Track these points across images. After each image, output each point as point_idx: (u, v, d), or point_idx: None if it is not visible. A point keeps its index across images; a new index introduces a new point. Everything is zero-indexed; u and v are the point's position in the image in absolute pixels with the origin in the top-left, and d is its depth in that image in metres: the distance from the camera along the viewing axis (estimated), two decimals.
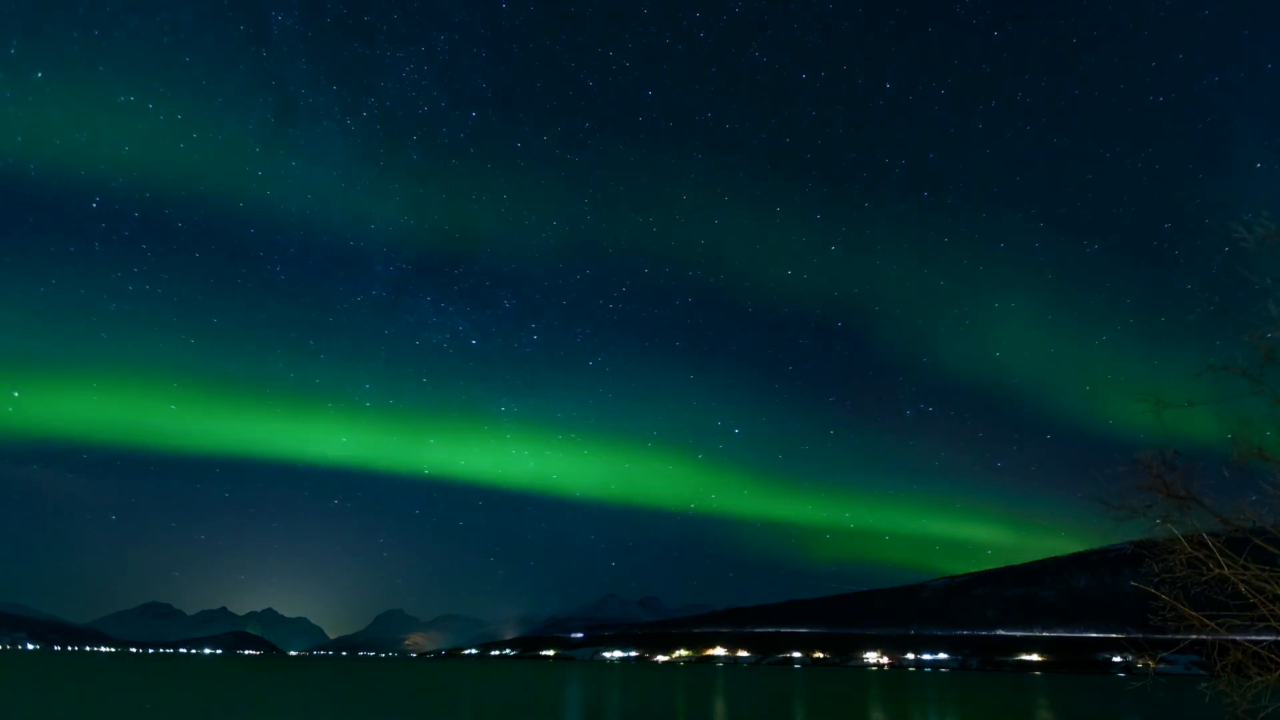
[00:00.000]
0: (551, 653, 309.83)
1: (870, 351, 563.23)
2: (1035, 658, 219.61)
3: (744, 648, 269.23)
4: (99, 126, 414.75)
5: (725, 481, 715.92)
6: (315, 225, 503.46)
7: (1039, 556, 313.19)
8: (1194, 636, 10.05)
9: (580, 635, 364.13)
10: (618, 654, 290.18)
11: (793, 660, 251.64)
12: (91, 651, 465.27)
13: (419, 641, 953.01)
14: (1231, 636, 9.88)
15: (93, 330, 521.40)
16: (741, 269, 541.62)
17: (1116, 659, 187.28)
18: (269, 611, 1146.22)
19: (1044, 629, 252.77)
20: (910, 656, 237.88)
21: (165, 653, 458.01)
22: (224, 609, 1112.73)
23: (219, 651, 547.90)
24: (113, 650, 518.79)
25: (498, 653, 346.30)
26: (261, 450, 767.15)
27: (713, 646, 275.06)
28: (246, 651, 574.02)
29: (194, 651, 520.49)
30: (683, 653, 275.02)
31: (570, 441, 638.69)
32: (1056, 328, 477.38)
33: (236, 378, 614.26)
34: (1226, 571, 9.72)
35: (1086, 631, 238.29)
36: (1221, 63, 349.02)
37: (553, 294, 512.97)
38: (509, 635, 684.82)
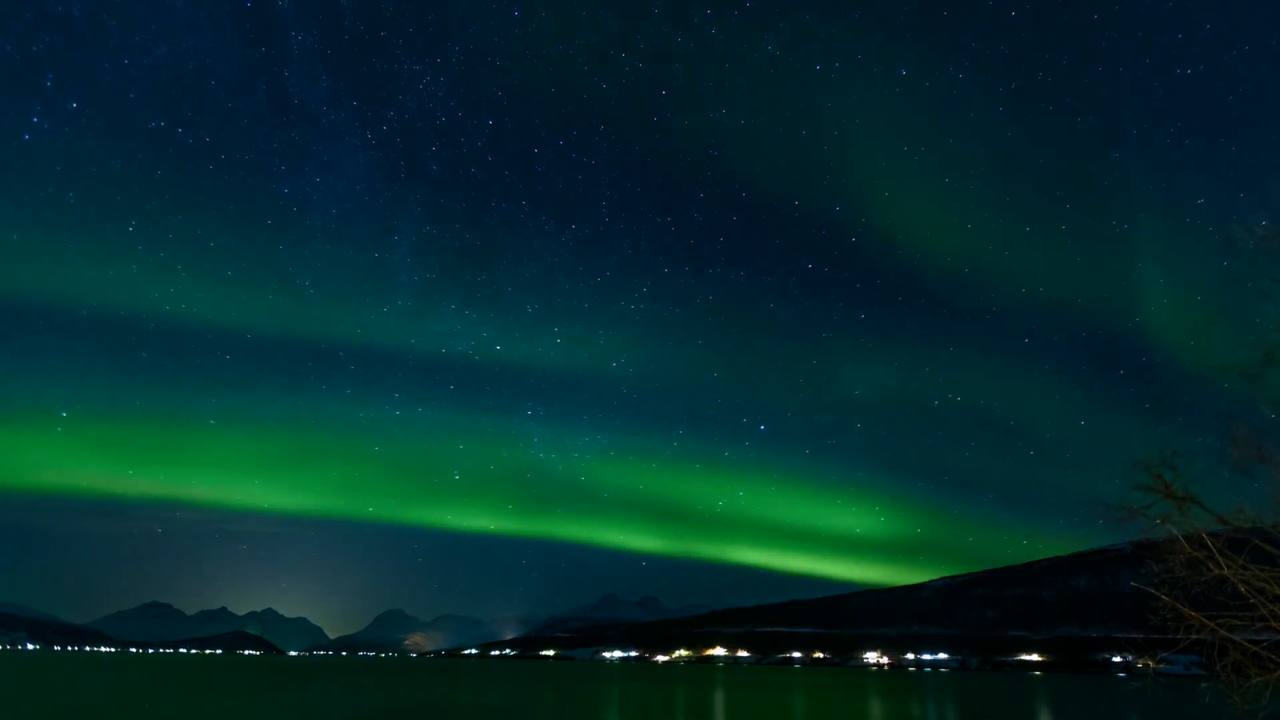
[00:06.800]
0: (551, 653, 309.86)
1: (895, 343, 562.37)
2: (1035, 658, 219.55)
3: (744, 648, 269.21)
4: (132, 152, 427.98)
5: (753, 479, 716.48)
6: (341, 239, 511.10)
7: (1039, 556, 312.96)
8: (1194, 636, 10.05)
9: (580, 635, 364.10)
10: (618, 654, 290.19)
11: (793, 660, 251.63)
12: (91, 651, 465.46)
13: (419, 641, 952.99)
14: (1231, 636, 9.89)
15: (133, 350, 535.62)
16: (762, 265, 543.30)
17: (1116, 659, 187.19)
18: (269, 611, 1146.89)
19: (1044, 629, 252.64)
20: (910, 656, 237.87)
21: (165, 653, 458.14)
22: (224, 609, 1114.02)
23: (219, 651, 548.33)
24: (113, 650, 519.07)
25: (497, 653, 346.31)
26: (297, 461, 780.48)
27: (713, 646, 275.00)
28: (246, 651, 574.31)
29: (194, 651, 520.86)
30: (683, 653, 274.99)
31: (596, 443, 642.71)
32: (1088, 311, 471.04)
33: (271, 391, 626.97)
34: (1226, 572, 9.73)
35: (1086, 631, 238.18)
36: (1252, 30, 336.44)
37: (574, 297, 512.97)
38: (509, 635, 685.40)
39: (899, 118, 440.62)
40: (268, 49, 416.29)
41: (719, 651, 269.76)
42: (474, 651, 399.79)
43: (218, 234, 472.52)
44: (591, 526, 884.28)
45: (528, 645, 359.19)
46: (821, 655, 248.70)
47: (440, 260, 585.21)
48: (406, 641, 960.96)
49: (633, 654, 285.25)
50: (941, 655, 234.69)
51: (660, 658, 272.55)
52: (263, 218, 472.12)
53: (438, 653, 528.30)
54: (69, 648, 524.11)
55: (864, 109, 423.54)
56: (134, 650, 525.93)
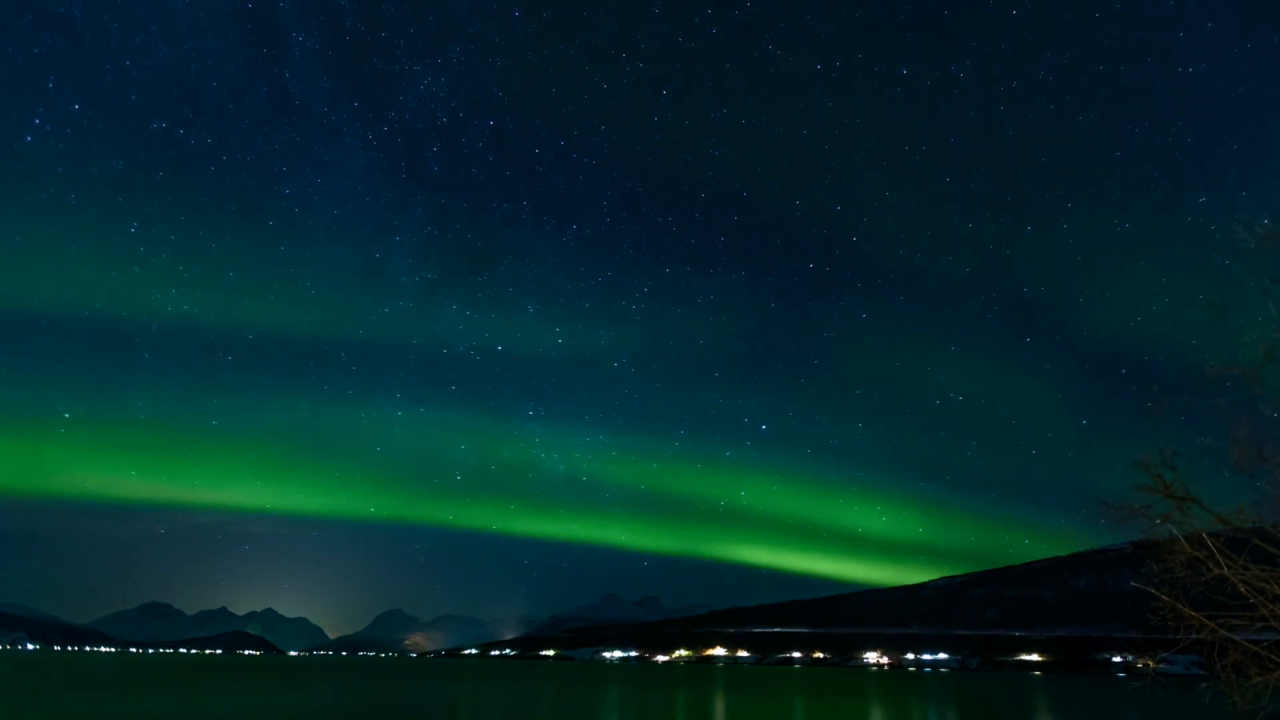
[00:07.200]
0: (551, 653, 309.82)
1: (896, 343, 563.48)
2: (1035, 658, 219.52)
3: (744, 648, 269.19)
4: (134, 154, 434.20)
5: (754, 479, 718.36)
6: (342, 240, 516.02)
7: (1039, 556, 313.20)
8: (1194, 636, 10.04)
9: (580, 635, 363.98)
10: (618, 654, 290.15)
11: (793, 660, 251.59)
12: (91, 651, 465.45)
13: (419, 642, 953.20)
14: (1231, 636, 9.89)
15: (136, 351, 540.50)
16: (763, 265, 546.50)
17: (1116, 659, 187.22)
18: (269, 611, 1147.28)
19: (1044, 629, 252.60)
20: (910, 656, 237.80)
21: (165, 653, 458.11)
22: (224, 609, 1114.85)
23: (219, 652, 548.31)
24: (113, 650, 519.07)
25: (497, 653, 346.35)
26: (298, 462, 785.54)
27: (713, 646, 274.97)
28: (246, 652, 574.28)
29: (194, 651, 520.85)
30: (683, 653, 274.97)
31: (598, 443, 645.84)
32: (1089, 309, 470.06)
33: (273, 392, 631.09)
34: (1226, 571, 9.73)
35: (1086, 631, 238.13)
36: (1254, 29, 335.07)
37: (575, 298, 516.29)
38: (508, 635, 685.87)
39: (899, 118, 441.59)
40: (269, 50, 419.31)
41: (719, 651, 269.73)
42: (474, 651, 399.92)
43: (219, 235, 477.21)
44: (592, 526, 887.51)
45: (528, 645, 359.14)
46: (821, 655, 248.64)
47: (441, 261, 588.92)
48: (406, 641, 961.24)
49: (633, 654, 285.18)
50: (941, 655, 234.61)
51: (660, 658, 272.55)
52: (264, 219, 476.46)
53: (438, 653, 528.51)
54: (69, 648, 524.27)
55: (864, 109, 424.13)
56: (134, 650, 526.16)
